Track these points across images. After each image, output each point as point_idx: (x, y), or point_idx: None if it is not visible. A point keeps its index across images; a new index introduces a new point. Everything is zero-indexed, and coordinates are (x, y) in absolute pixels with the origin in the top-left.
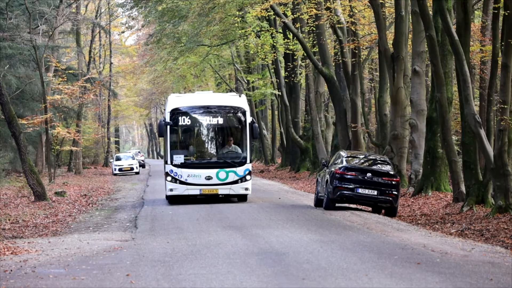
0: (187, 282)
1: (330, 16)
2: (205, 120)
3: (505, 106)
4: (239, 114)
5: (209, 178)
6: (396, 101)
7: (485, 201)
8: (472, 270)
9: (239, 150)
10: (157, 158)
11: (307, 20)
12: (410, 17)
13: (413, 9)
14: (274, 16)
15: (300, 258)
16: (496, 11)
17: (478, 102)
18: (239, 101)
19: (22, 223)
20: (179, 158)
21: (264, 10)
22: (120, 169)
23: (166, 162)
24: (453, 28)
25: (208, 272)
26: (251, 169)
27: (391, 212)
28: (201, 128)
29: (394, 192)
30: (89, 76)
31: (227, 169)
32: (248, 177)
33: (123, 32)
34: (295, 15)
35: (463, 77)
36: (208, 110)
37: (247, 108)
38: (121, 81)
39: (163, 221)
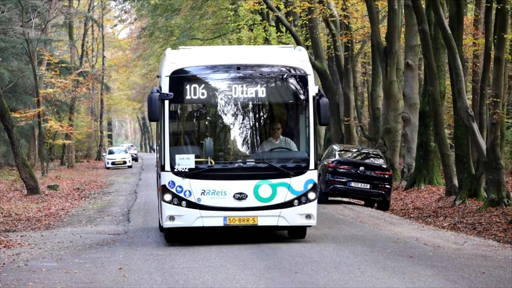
0: (179, 275)
1: (323, 10)
2: (233, 92)
3: (498, 100)
4: (296, 81)
5: (241, 197)
6: (389, 94)
7: (477, 194)
8: (464, 264)
9: (294, 147)
10: (150, 152)
11: (300, 13)
12: (403, 10)
13: (406, 2)
14: (267, 10)
15: (292, 252)
16: (489, 5)
17: (471, 96)
18: (296, 57)
19: (15, 216)
20: (186, 161)
21: (257, 4)
22: (113, 163)
23: (162, 168)
24: (446, 22)
25: (201, 265)
26: (316, 180)
27: (384, 205)
28: (225, 107)
29: (386, 186)
30: (81, 70)
31: (274, 181)
32: (311, 195)
33: (115, 25)
34: (288, 9)
35: (455, 70)
36: (238, 73)
37: (309, 69)
38: (114, 75)
39: (155, 215)
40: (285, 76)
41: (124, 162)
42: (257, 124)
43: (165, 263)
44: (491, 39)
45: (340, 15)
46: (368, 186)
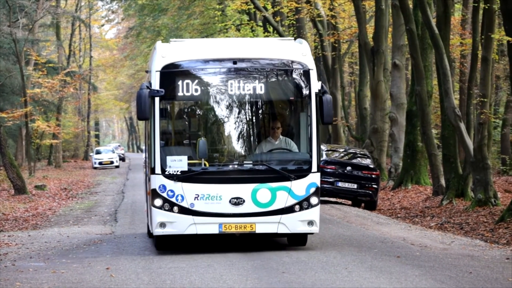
0: (167, 275)
1: (310, 10)
2: (229, 89)
3: (485, 100)
4: (297, 76)
5: (237, 202)
6: (376, 94)
7: (464, 194)
8: (451, 264)
9: (295, 147)
10: (137, 152)
11: (287, 13)
12: (390, 10)
13: (393, 2)
14: (254, 10)
15: (279, 252)
16: (476, 5)
17: (458, 96)
18: (297, 50)
19: (2, 216)
20: (179, 163)
21: (244, 4)
22: (100, 163)
23: (152, 171)
24: (433, 22)
25: (188, 265)
26: (318, 184)
27: (371, 205)
28: (220, 104)
29: (374, 186)
30: (69, 70)
31: (273, 185)
32: (314, 200)
33: (103, 25)
34: (275, 9)
35: (443, 70)
36: (234, 68)
37: (311, 64)
38: (101, 75)
39: (143, 215)
40: (285, 71)
41: (111, 162)
42: (255, 123)
43: (152, 263)
44: (478, 39)
45: (327, 15)
46: (355, 186)
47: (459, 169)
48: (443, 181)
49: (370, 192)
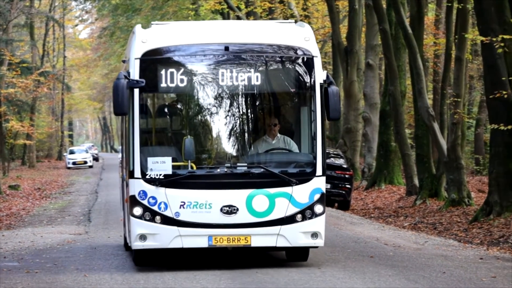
0: (140, 275)
1: (284, 10)
2: (220, 79)
3: (459, 100)
4: (299, 65)
5: (230, 210)
6: (349, 94)
7: (438, 194)
8: (425, 264)
9: (295, 147)
10: (111, 151)
11: (261, 13)
12: (364, 10)
13: (366, 2)
14: (227, 10)
15: (253, 251)
16: (450, 4)
17: (432, 95)
18: (299, 34)
19: None
20: (161, 166)
21: (218, 4)
22: (73, 163)
23: (131, 174)
24: (407, 22)
25: (162, 265)
26: (324, 190)
27: (344, 205)
28: (209, 97)
29: (347, 186)
30: (43, 70)
31: (272, 191)
32: (318, 208)
33: (76, 25)
34: (248, 9)
35: (416, 70)
36: (226, 55)
37: (315, 50)
38: (74, 75)
39: (116, 215)
40: (285, 58)
41: (85, 162)
42: (250, 119)
43: (126, 262)
44: (452, 39)
45: (301, 15)
46: (328, 186)
47: (432, 169)
48: (416, 181)
49: (344, 192)
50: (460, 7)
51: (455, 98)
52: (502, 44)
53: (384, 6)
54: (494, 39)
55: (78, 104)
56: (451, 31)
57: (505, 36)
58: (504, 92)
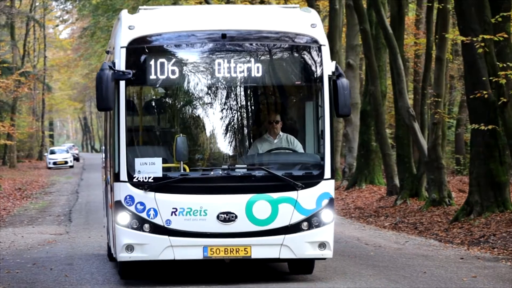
0: (121, 274)
1: None
2: (216, 71)
3: (439, 100)
4: (305, 54)
5: (228, 218)
6: None
7: (419, 194)
8: (405, 263)
9: (300, 147)
10: (91, 151)
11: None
12: (344, 10)
13: (347, 2)
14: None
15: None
16: (430, 4)
17: (412, 96)
18: (305, 20)
19: None
20: (151, 168)
21: (198, 3)
22: (54, 163)
23: (116, 177)
24: (387, 22)
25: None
26: (333, 195)
27: None
28: (204, 91)
29: None
30: (23, 70)
31: (274, 195)
32: (327, 216)
33: (57, 25)
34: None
35: (397, 70)
36: (224, 44)
37: (323, 38)
38: (55, 75)
39: (97, 215)
40: (289, 47)
41: (66, 162)
42: (249, 115)
43: (107, 262)
44: (432, 39)
45: None
46: None
47: (413, 169)
48: (397, 181)
49: None
50: (441, 7)
51: (436, 98)
52: (482, 44)
53: (365, 6)
54: (475, 39)
55: (59, 104)
56: (432, 31)
57: (485, 36)
58: (485, 92)
